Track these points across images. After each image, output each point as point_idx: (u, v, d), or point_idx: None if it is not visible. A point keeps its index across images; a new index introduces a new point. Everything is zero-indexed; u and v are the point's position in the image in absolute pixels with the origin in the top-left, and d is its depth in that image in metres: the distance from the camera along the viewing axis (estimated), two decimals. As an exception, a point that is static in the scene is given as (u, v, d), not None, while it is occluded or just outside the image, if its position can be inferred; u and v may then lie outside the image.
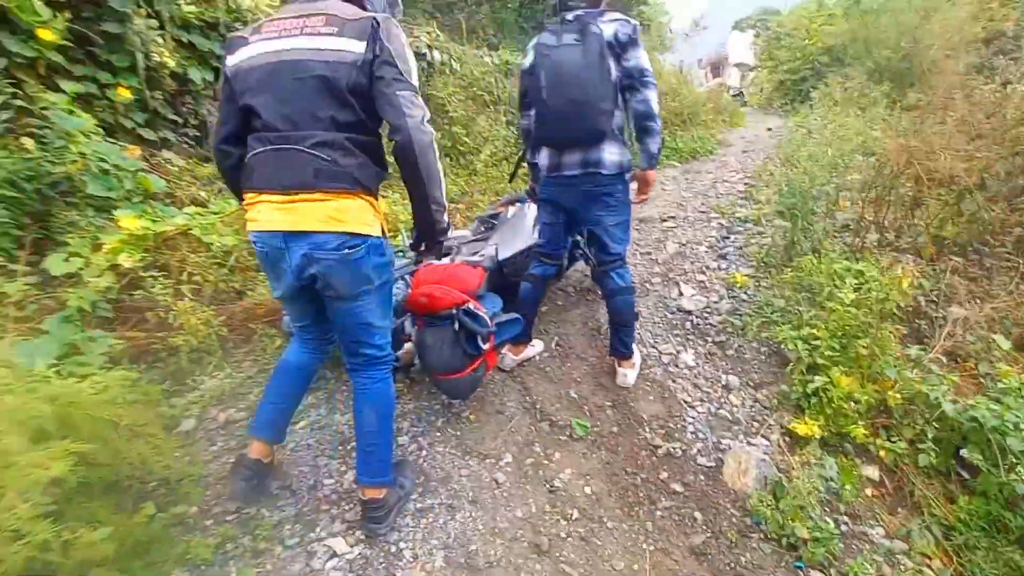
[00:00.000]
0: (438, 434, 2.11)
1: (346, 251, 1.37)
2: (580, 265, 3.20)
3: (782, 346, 2.42)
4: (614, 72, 1.95)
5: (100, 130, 2.98)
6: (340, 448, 2.03)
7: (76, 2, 3.23)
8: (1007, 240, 2.77)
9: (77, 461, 1.28)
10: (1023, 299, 2.47)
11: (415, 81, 1.39)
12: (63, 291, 2.37)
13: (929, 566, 1.72)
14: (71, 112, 2.91)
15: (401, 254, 2.75)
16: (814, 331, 2.26)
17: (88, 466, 1.39)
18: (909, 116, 2.98)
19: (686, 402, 2.30)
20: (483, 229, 3.32)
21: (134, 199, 3.03)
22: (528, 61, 2.10)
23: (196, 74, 3.91)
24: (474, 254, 2.63)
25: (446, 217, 1.52)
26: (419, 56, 5.81)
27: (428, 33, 6.24)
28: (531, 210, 2.90)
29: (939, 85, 3.10)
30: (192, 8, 3.89)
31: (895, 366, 2.04)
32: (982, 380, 2.15)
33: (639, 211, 4.01)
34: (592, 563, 1.64)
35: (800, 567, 1.67)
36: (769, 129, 8.69)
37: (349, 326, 1.53)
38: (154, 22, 3.60)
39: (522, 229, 2.77)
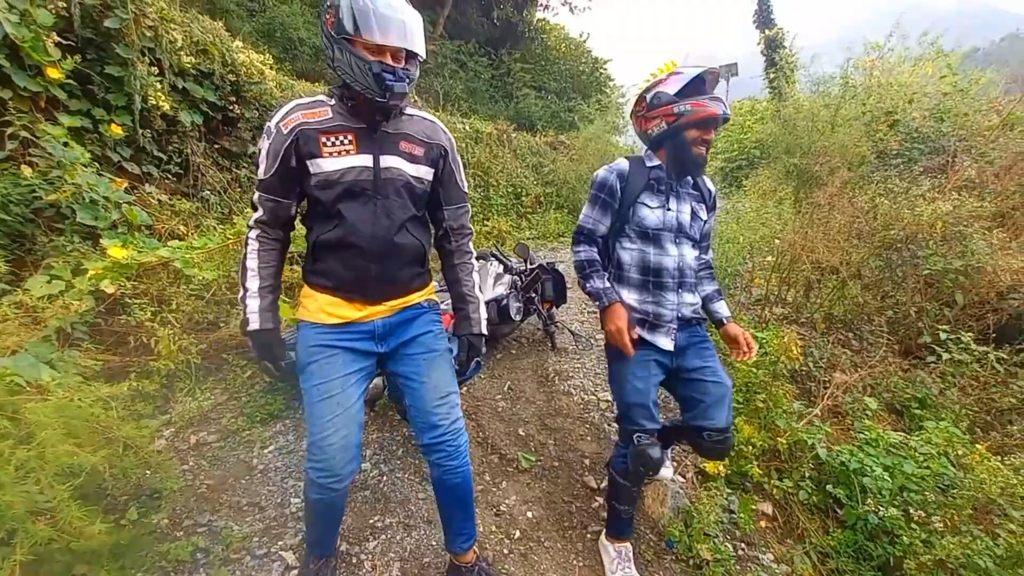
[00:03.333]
0: (398, 462, 2.34)
1: None
2: (533, 319, 3.58)
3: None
4: None
5: (94, 163, 3.18)
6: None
7: (84, 46, 3.51)
8: (882, 320, 3.38)
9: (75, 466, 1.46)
10: (890, 368, 3.02)
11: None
12: (44, 312, 2.48)
13: (807, 587, 2.08)
14: (66, 144, 3.09)
15: None
16: (724, 386, 2.70)
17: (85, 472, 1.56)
18: (806, 214, 3.62)
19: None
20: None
21: (119, 229, 3.19)
22: None
23: (186, 117, 4.19)
24: (441, 303, 2.95)
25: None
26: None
27: (406, 98, 6.80)
28: (493, 267, 3.29)
29: (831, 191, 3.79)
30: (190, 59, 4.21)
31: (784, 417, 2.47)
32: (854, 433, 2.62)
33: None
34: (529, 576, 1.90)
35: (703, 583, 1.99)
36: (707, 209, 9.64)
37: None
38: (155, 69, 3.88)
39: (484, 284, 3.12)
